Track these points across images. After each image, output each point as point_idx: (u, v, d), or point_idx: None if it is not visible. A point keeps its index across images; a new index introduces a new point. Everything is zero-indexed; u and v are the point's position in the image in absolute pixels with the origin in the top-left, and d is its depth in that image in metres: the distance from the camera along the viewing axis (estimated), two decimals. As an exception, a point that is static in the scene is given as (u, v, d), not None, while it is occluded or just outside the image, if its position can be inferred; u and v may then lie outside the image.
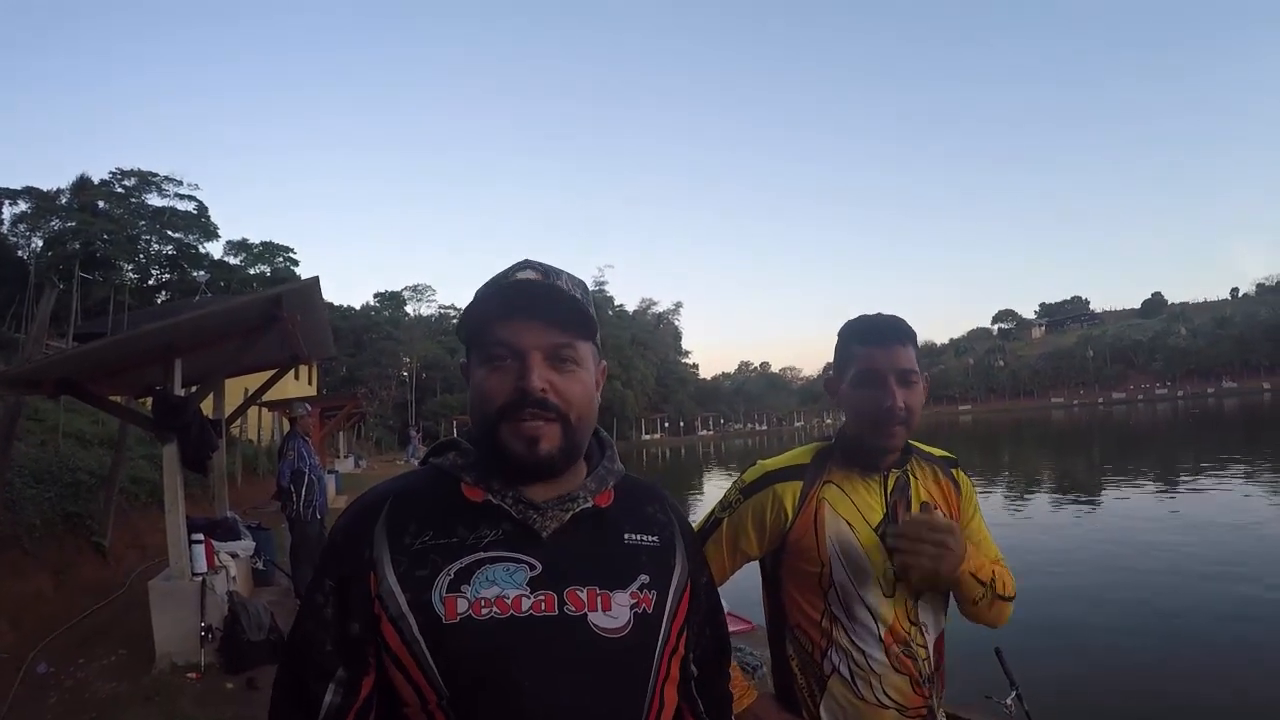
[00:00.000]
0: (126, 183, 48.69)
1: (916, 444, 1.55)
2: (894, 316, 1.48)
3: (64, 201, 47.05)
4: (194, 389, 5.91)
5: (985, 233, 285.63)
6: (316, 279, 5.74)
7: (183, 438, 5.31)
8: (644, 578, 0.97)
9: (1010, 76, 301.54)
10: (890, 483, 1.49)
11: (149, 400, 5.59)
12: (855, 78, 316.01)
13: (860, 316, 1.53)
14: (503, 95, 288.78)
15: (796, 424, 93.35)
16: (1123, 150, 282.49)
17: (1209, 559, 9.51)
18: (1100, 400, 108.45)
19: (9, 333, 21.64)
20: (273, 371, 7.57)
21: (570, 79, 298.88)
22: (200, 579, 5.32)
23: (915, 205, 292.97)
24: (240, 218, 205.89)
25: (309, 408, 7.85)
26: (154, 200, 49.31)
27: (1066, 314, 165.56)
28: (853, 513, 1.46)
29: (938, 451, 1.60)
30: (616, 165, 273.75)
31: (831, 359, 1.57)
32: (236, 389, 9.28)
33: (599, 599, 0.92)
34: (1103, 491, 17.22)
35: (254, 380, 8.23)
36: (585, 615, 0.91)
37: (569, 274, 0.99)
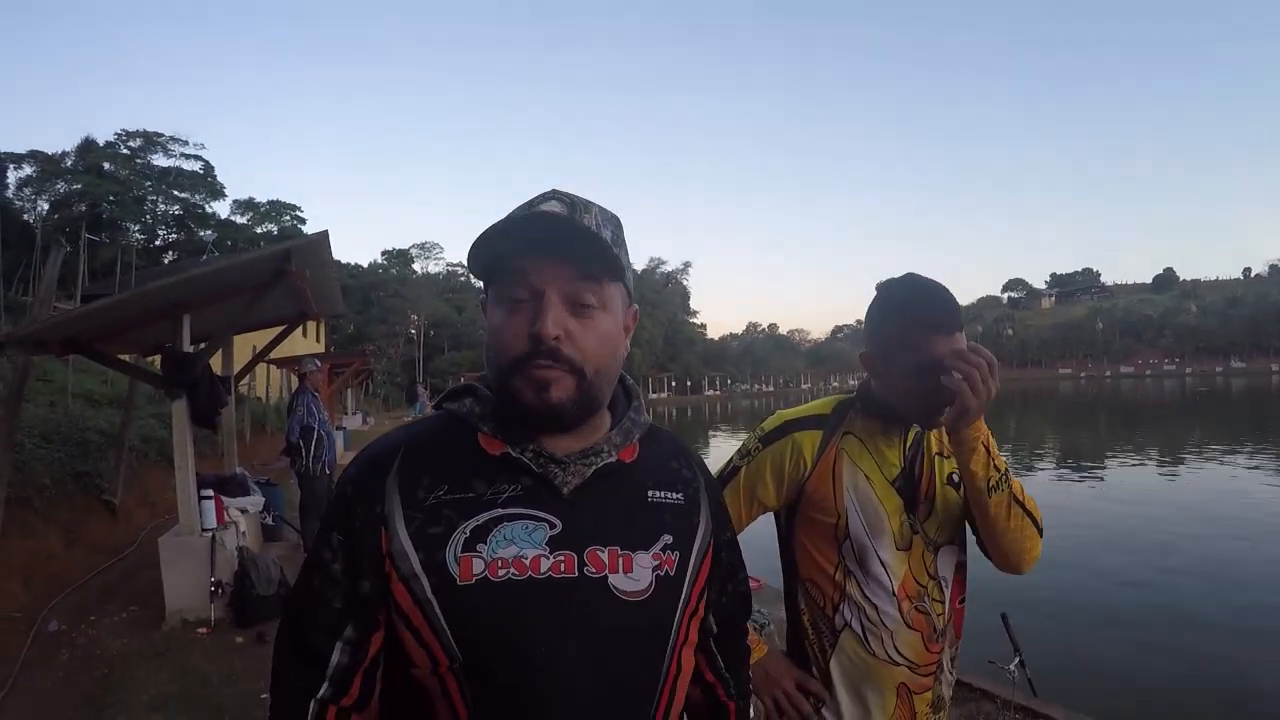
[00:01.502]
0: (132, 144, 48.21)
1: None
2: (943, 290, 1.36)
3: (69, 164, 46.62)
4: (203, 345, 5.85)
5: (998, 200, 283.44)
6: (325, 233, 5.65)
7: (192, 394, 5.27)
8: (667, 538, 0.92)
9: (1028, 44, 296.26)
10: (909, 438, 1.46)
11: (158, 359, 5.54)
12: (873, 44, 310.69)
13: (911, 286, 1.39)
14: (512, 48, 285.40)
15: (803, 386, 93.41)
16: (1140, 124, 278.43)
17: (1214, 534, 9.50)
18: (1108, 374, 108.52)
19: (17, 296, 21.58)
20: (281, 329, 7.53)
21: (584, 29, 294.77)
22: (210, 535, 5.33)
23: (929, 171, 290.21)
24: (247, 177, 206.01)
25: (318, 363, 7.80)
26: (160, 161, 48.86)
27: (1077, 285, 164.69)
28: (870, 465, 1.44)
29: None
30: (628, 124, 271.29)
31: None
32: (244, 347, 9.27)
33: (620, 560, 0.87)
34: (1108, 464, 17.22)
35: (262, 338, 8.20)
36: (606, 577, 0.86)
37: (600, 207, 0.89)
